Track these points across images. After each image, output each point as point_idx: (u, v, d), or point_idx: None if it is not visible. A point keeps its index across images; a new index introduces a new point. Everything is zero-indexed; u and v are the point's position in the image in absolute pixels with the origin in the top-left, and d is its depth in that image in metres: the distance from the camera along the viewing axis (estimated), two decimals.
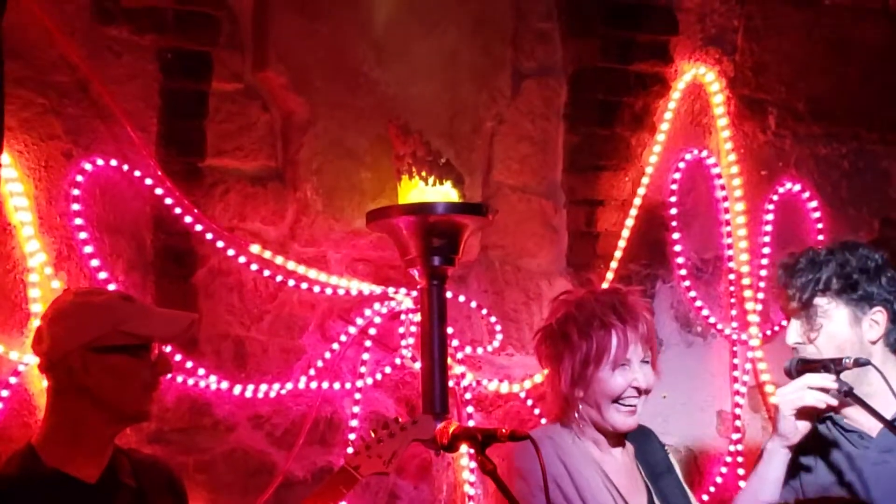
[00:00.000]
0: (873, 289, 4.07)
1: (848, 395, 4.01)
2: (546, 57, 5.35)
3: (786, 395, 4.02)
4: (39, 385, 4.34)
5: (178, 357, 4.50)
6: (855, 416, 4.09)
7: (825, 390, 3.94)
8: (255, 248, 4.72)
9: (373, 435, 3.48)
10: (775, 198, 5.63)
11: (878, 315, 4.05)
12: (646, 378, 3.99)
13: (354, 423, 4.81)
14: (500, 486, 3.32)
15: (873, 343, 4.07)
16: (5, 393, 4.29)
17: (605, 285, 5.20)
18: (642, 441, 4.16)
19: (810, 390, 3.95)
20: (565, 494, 3.92)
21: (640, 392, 3.98)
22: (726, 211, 5.52)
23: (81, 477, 3.45)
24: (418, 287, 4.71)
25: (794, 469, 4.08)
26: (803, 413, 3.99)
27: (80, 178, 4.47)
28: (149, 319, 3.58)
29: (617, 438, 4.04)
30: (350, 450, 4.63)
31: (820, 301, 4.08)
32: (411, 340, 4.89)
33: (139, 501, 3.54)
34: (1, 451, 4.22)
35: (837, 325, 4.07)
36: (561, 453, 3.98)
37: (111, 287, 4.41)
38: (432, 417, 3.41)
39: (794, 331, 4.12)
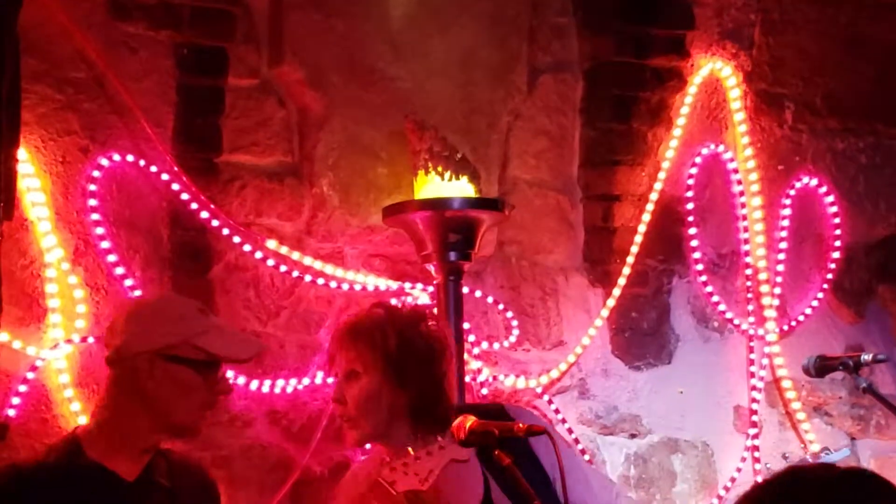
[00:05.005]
0: None
1: (867, 392, 4.01)
2: (562, 52, 5.34)
3: None
4: (56, 380, 4.36)
5: None
6: None
7: None
8: (271, 244, 4.72)
9: (411, 452, 3.45)
10: (792, 192, 5.61)
11: None
12: None
13: None
14: (518, 482, 3.30)
15: None
16: (23, 388, 4.30)
17: (621, 280, 5.21)
18: None
19: None
20: None
21: None
22: (743, 206, 5.50)
23: (121, 473, 3.43)
24: (434, 282, 4.71)
25: None
26: None
27: (96, 173, 4.48)
28: (222, 339, 3.50)
29: None
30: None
31: None
32: None
33: (172, 502, 3.53)
34: (18, 446, 4.25)
35: None
36: None
37: (137, 293, 4.42)
38: None
39: None
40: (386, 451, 3.60)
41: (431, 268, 4.66)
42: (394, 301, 4.74)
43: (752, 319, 5.48)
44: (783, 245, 5.55)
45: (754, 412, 5.47)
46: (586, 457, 5.11)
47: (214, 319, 3.60)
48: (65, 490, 3.37)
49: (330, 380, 4.62)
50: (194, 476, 3.65)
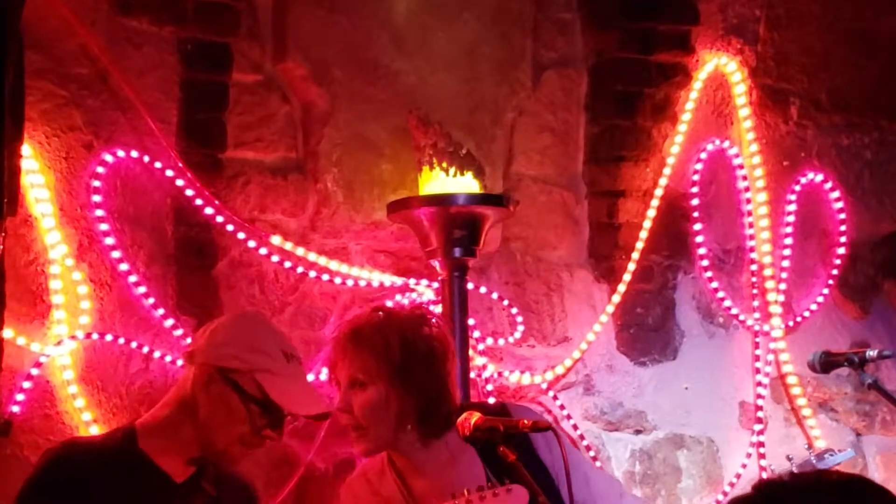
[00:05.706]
0: None
1: (872, 388, 4.00)
2: (566, 47, 5.34)
3: None
4: (60, 377, 4.35)
5: None
6: None
7: None
8: (275, 240, 4.71)
9: (466, 494, 3.43)
10: (797, 188, 5.61)
11: None
12: None
13: None
14: (523, 478, 3.29)
15: None
16: (27, 385, 4.29)
17: (626, 276, 5.21)
18: None
19: None
20: None
21: None
22: (748, 201, 5.50)
23: (170, 473, 3.41)
24: (439, 278, 4.70)
25: None
26: None
27: (100, 169, 4.47)
28: (287, 387, 3.43)
29: None
30: None
31: None
32: None
33: None
34: (23, 442, 4.25)
35: None
36: None
37: (141, 289, 4.42)
38: (526, 489, 3.32)
39: None
40: (395, 455, 3.59)
41: (436, 264, 4.65)
42: (391, 302, 4.75)
43: (757, 315, 5.48)
44: (788, 241, 5.55)
45: (759, 408, 5.46)
46: (591, 453, 5.11)
47: (295, 369, 3.50)
48: (114, 475, 3.35)
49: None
50: (240, 488, 3.62)
